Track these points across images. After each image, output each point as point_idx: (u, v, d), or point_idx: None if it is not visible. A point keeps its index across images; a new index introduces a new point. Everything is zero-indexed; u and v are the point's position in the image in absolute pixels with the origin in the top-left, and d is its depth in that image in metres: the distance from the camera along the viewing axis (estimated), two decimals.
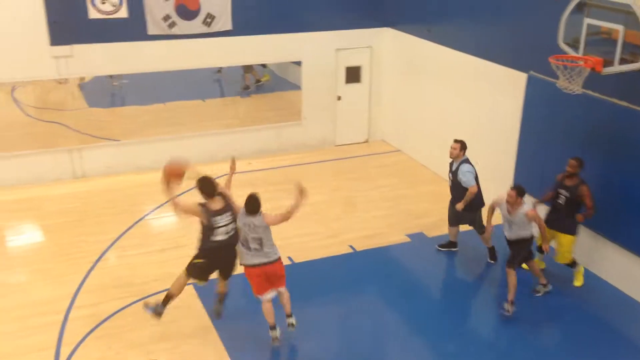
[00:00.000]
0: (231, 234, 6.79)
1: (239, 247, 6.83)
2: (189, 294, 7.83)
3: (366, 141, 13.48)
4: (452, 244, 9.06)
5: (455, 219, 8.76)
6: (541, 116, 9.03)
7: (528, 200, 7.71)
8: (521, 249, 7.70)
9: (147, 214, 10.11)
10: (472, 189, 8.24)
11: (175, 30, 11.14)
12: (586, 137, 8.27)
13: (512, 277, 7.55)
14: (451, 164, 8.55)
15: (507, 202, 7.52)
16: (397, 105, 12.85)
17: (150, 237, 9.45)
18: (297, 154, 12.71)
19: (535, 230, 7.72)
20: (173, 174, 6.62)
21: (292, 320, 6.97)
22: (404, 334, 7.42)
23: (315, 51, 12.40)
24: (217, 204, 6.69)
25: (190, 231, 9.54)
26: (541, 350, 7.11)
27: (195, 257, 6.90)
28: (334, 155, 12.81)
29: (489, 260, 8.79)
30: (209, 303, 7.53)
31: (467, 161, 8.40)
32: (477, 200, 8.45)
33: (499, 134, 10.06)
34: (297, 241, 9.28)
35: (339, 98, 13.01)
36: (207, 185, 6.68)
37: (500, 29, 9.73)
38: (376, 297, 8.08)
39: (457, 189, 8.45)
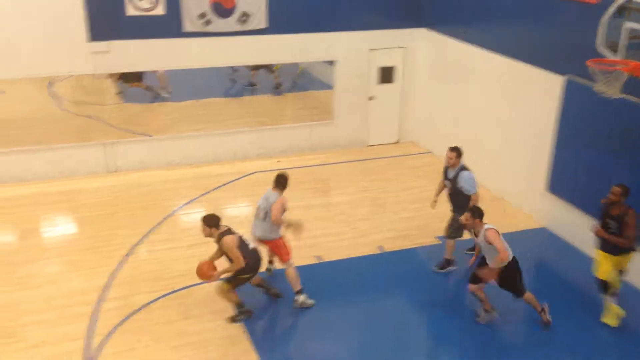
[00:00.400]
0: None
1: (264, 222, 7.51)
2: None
3: (397, 142, 13.41)
4: (449, 263, 8.61)
5: (459, 229, 8.32)
6: (578, 120, 8.87)
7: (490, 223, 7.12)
8: (511, 271, 7.05)
9: (176, 210, 10.22)
10: (475, 197, 8.03)
11: (210, 28, 11.24)
12: (624, 142, 8.08)
13: (529, 298, 7.25)
14: (446, 171, 8.33)
15: (466, 226, 7.13)
16: (430, 106, 12.74)
17: (179, 232, 9.55)
18: (327, 153, 12.72)
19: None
20: (204, 276, 7.20)
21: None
22: (430, 338, 7.36)
23: (349, 51, 12.38)
24: (224, 227, 7.12)
25: None
26: None
27: (241, 274, 7.18)
28: (364, 156, 12.77)
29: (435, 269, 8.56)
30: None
31: (465, 168, 8.17)
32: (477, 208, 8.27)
33: (532, 138, 9.90)
34: (325, 240, 9.29)
35: (371, 98, 12.97)
36: (215, 218, 7.06)
37: (537, 31, 9.57)
38: (403, 299, 8.02)
39: (458, 197, 8.19)
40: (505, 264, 6.87)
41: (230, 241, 6.94)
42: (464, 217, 7.01)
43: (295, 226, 7.60)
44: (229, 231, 7.06)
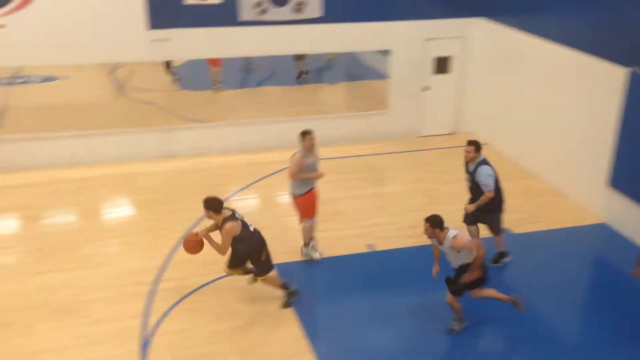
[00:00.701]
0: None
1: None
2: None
3: (452, 133, 13.24)
4: (502, 255, 8.50)
5: (472, 218, 8.34)
6: None
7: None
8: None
9: (231, 195, 10.40)
10: (489, 193, 7.87)
11: (266, 17, 11.33)
12: None
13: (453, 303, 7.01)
14: (467, 165, 8.18)
15: (427, 235, 6.88)
16: (487, 97, 12.52)
17: None
18: (380, 143, 12.67)
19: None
20: (192, 249, 7.17)
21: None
22: (483, 329, 7.28)
23: (405, 40, 12.28)
24: (227, 210, 7.07)
25: (273, 214, 9.83)
26: None
27: (256, 259, 7.23)
28: (417, 146, 12.68)
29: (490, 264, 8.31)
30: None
31: (485, 162, 7.99)
32: (497, 202, 8.10)
33: (593, 131, 9.61)
34: (377, 229, 9.30)
35: (426, 88, 12.84)
36: (216, 201, 7.00)
37: (601, 21, 9.26)
38: None
39: (477, 190, 8.06)
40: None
41: (231, 229, 6.90)
42: (424, 229, 6.78)
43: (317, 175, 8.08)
44: (233, 216, 7.02)
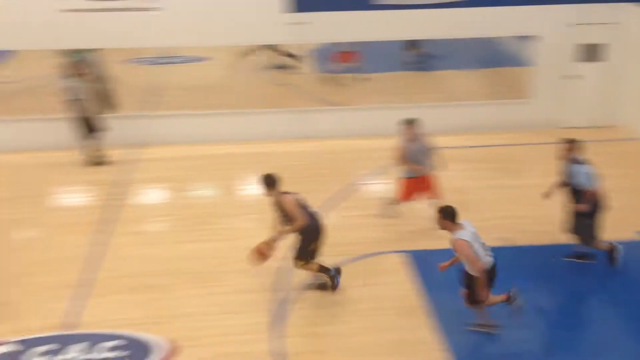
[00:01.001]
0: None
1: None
2: (397, 262, 8.09)
3: (601, 126, 12.33)
4: (584, 256, 8.06)
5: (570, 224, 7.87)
6: None
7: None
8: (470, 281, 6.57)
9: (362, 179, 10.48)
10: (590, 192, 7.44)
11: (405, 0, 11.13)
12: None
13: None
14: (564, 165, 7.73)
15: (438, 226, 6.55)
16: None
17: (362, 201, 9.83)
18: (516, 134, 12.10)
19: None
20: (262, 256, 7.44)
21: None
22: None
23: (551, 25, 11.60)
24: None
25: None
26: None
27: (306, 244, 7.27)
28: (559, 138, 11.99)
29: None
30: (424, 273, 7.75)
31: (579, 161, 7.55)
32: (594, 205, 7.56)
33: None
34: (510, 223, 9.01)
35: (575, 77, 12.06)
36: (272, 178, 7.19)
37: None
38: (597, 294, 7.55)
39: (574, 191, 7.65)
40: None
41: (289, 201, 7.09)
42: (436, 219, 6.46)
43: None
44: (289, 193, 7.19)
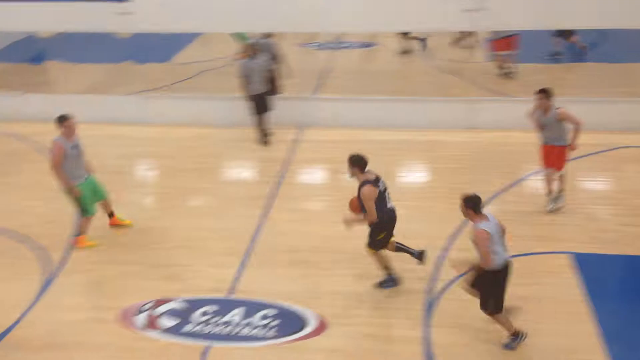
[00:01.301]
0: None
1: None
2: (563, 264, 7.58)
3: None
4: None
5: None
6: None
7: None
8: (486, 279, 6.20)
9: (529, 174, 9.92)
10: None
11: None
12: None
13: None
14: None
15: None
16: None
17: (527, 196, 9.34)
18: None
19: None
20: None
21: None
22: None
23: None
24: (371, 174, 6.97)
25: (576, 198, 9.08)
26: None
27: (375, 234, 7.11)
28: None
29: None
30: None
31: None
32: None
33: None
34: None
35: None
36: (361, 160, 6.97)
37: None
38: None
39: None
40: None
41: (368, 192, 6.80)
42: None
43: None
44: (373, 182, 6.84)
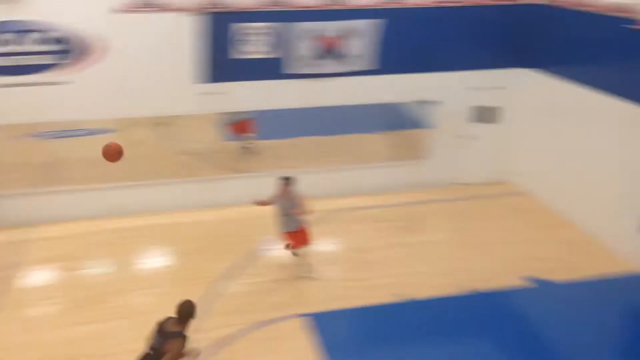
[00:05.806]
0: None
1: None
2: (297, 327, 8.03)
3: (494, 182, 13.00)
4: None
5: None
6: None
7: None
8: None
9: (262, 246, 10.41)
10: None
11: (316, 69, 11.43)
12: None
13: None
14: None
15: None
16: (530, 147, 12.35)
17: (260, 267, 9.82)
18: (419, 192, 12.54)
19: None
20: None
21: None
22: None
23: (448, 90, 12.21)
24: None
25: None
26: None
27: None
28: (458, 195, 12.54)
29: None
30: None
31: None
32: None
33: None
34: (409, 279, 9.22)
35: (469, 138, 12.75)
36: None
37: None
38: (489, 342, 7.78)
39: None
40: None
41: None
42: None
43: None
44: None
